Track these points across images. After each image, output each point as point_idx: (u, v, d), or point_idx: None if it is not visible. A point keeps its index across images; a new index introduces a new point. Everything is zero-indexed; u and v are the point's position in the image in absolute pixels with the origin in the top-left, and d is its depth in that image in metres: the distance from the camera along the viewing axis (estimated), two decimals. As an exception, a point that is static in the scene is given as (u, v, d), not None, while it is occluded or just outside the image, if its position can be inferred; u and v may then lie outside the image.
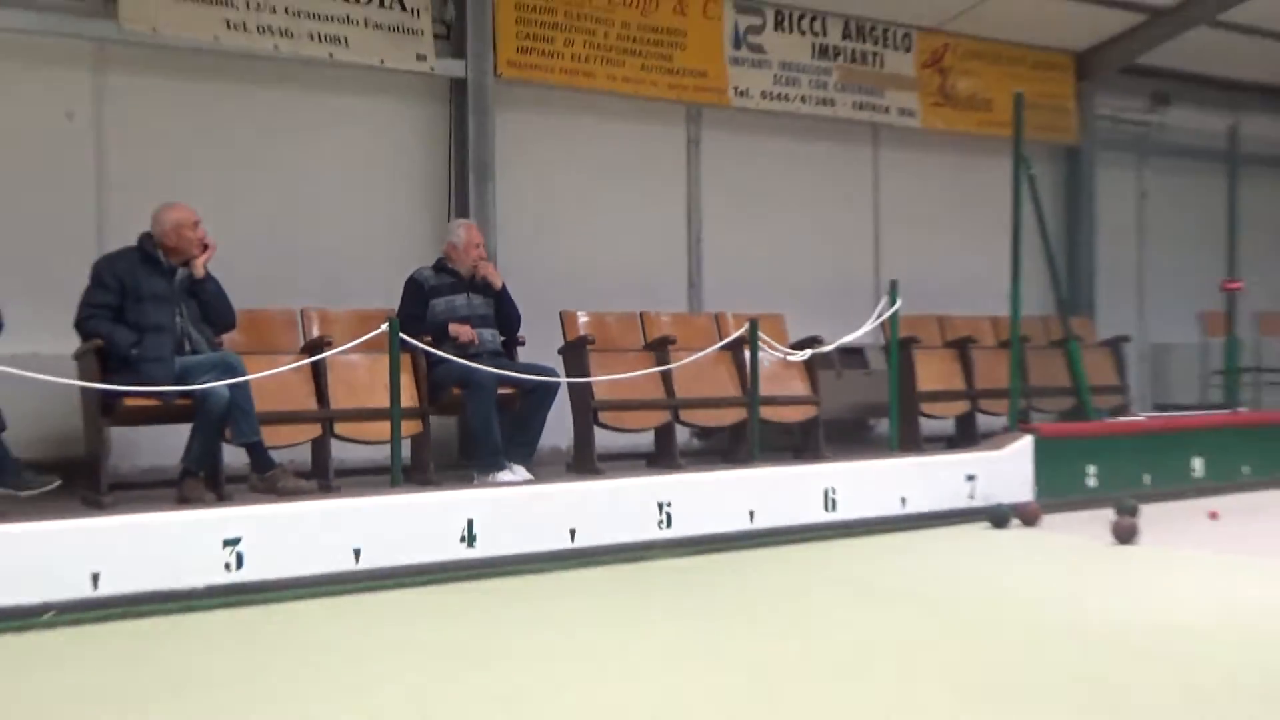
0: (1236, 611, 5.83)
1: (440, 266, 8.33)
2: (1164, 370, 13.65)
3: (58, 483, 6.54)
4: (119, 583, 5.87)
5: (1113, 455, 9.66)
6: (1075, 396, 10.36)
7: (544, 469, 8.18)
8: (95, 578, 5.82)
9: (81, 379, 6.92)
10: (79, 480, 6.98)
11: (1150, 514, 8.15)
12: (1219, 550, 7.47)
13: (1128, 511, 7.83)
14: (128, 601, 5.86)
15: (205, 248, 7.20)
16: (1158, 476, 9.80)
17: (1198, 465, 10.12)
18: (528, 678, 4.79)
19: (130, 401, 6.86)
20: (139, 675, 4.87)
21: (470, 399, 7.75)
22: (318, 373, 7.65)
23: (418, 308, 8.09)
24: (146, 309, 6.99)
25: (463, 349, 7.87)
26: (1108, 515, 7.92)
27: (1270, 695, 4.36)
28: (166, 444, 7.46)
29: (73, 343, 7.12)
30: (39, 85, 8.41)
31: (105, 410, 6.88)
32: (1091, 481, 9.45)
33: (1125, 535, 7.63)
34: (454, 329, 7.96)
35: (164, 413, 7.02)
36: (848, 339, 9.51)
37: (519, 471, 7.69)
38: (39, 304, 7.37)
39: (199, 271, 7.21)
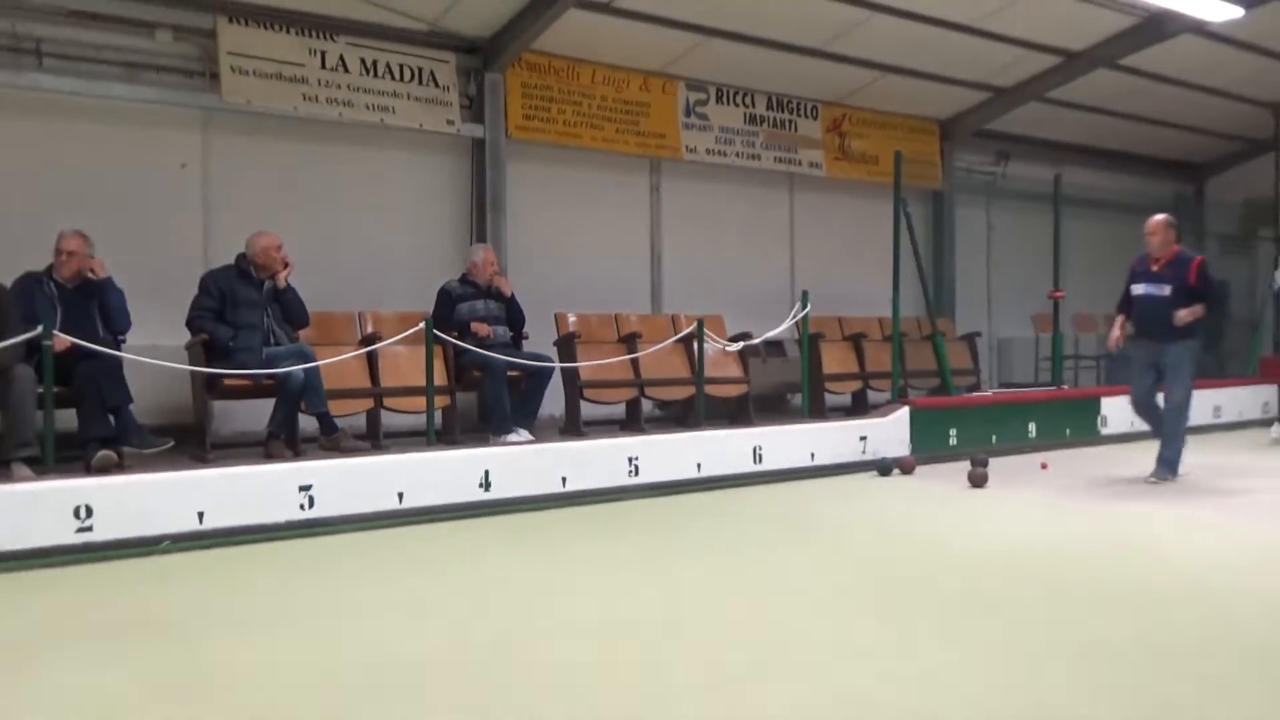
0: (1059, 538, 5.82)
1: (464, 279, 8.26)
2: (1007, 357, 13.69)
3: (172, 443, 6.45)
4: (219, 519, 5.85)
5: (969, 421, 9.67)
6: (940, 377, 10.37)
7: (543, 432, 8.11)
8: (201, 515, 5.79)
9: (191, 365, 6.84)
10: (188, 441, 6.89)
11: (997, 465, 8.16)
12: (1048, 491, 7.47)
13: (980, 463, 7.82)
14: (225, 533, 5.82)
15: (286, 265, 7.13)
16: (1002, 437, 9.83)
17: (1032, 428, 10.15)
18: (524, 588, 4.74)
19: (228, 382, 6.79)
20: (233, 589, 4.80)
21: (487, 379, 7.67)
22: (371, 360, 7.59)
23: (446, 310, 8.02)
24: (241, 312, 6.93)
25: (481, 342, 7.79)
26: (965, 466, 7.91)
27: (1083, 597, 4.34)
28: (256, 414, 7.37)
29: (184, 337, 7.04)
30: (161, 142, 8.31)
31: (209, 388, 6.79)
32: (953, 441, 9.46)
33: (978, 481, 7.64)
34: (475, 327, 7.91)
35: (254, 390, 6.93)
36: (771, 334, 9.50)
37: (523, 434, 7.60)
38: (159, 307, 7.26)
39: (282, 283, 7.15)
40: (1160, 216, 7.89)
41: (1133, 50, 11.48)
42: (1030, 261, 12.25)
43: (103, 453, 5.91)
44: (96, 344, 6.14)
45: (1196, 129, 14.65)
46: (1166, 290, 7.65)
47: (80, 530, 5.42)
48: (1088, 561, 5.15)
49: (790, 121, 11.69)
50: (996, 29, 10.80)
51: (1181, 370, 7.73)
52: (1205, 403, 11.94)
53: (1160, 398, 7.88)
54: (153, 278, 7.68)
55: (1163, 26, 10.87)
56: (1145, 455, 8.20)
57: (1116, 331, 8.07)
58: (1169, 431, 7.87)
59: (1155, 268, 7.79)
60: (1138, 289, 7.88)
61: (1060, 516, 6.49)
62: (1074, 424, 10.55)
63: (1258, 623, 4.01)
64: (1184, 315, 7.49)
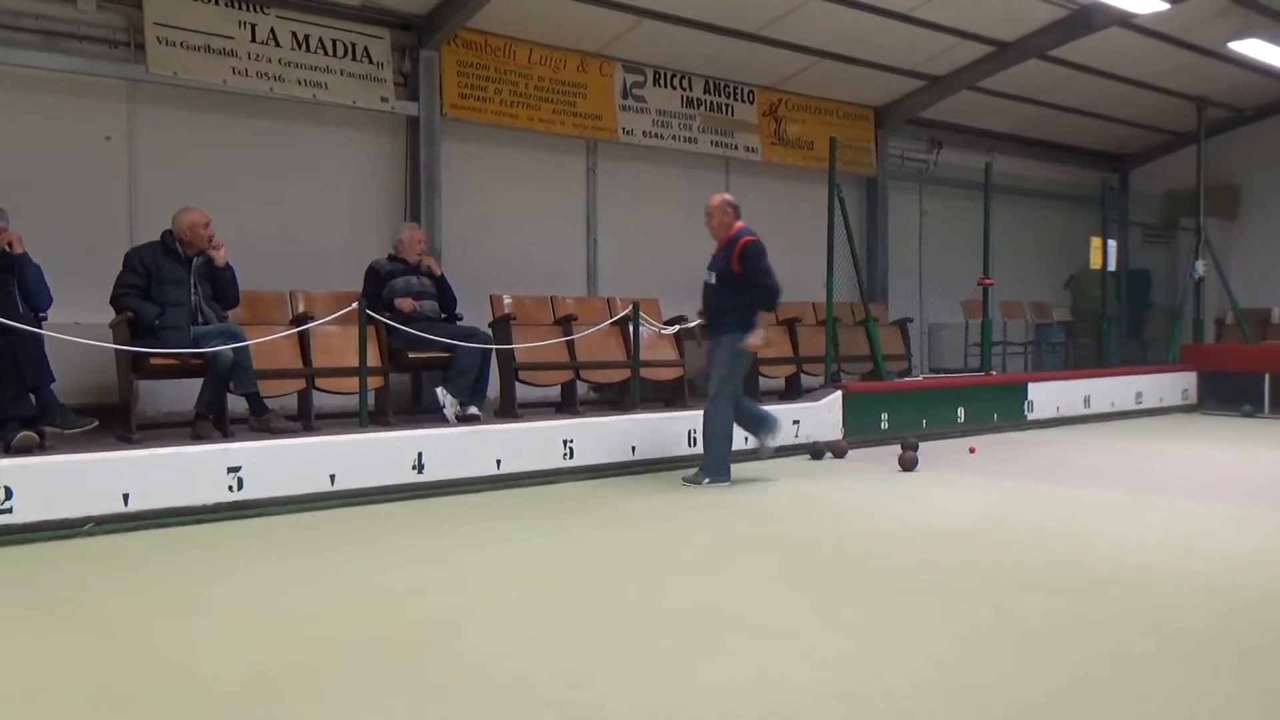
0: (986, 518, 5.94)
1: (393, 257, 8.18)
2: (937, 343, 13.90)
3: (96, 423, 6.31)
4: (145, 500, 5.76)
5: (900, 405, 9.82)
6: (873, 362, 10.50)
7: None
8: (126, 497, 5.70)
9: (116, 343, 6.69)
10: (113, 421, 6.76)
11: (927, 449, 8.30)
12: (976, 475, 7.61)
13: (910, 447, 7.94)
14: (151, 516, 5.73)
15: (213, 243, 6.97)
16: (932, 421, 9.99)
17: (961, 413, 10.33)
18: (457, 569, 4.73)
19: (154, 361, 6.64)
20: (160, 572, 4.73)
21: (464, 351, 7.68)
22: (302, 339, 7.47)
23: (375, 288, 7.94)
24: (167, 289, 6.79)
25: (408, 318, 7.73)
26: (896, 450, 8.03)
27: (1008, 578, 4.45)
28: (183, 394, 7.24)
29: (108, 314, 6.86)
30: (85, 114, 8.09)
31: (135, 367, 6.66)
32: (885, 425, 9.60)
33: (909, 464, 7.76)
34: (398, 303, 7.82)
35: (181, 369, 6.80)
36: (705, 318, 9.52)
37: (464, 408, 7.51)
38: (82, 284, 7.08)
39: (220, 261, 7.01)
40: (718, 196, 7.32)
41: (1062, 41, 11.69)
42: (961, 248, 12.44)
43: (24, 433, 5.76)
44: (15, 321, 5.98)
45: (1122, 120, 14.98)
46: (713, 278, 7.19)
47: (0, 512, 5.29)
48: (1013, 543, 5.28)
49: (727, 105, 11.73)
50: (931, 17, 10.93)
51: (720, 363, 7.09)
52: (1127, 389, 12.28)
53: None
54: (76, 253, 7.50)
55: (1091, 19, 11.09)
56: (1069, 439, 8.39)
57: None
58: (705, 432, 7.25)
59: (716, 249, 7.27)
60: (709, 277, 7.28)
61: (987, 499, 6.63)
62: (1002, 409, 10.76)
63: (1170, 602, 4.15)
64: (754, 341, 7.05)
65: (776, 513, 6.25)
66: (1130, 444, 9.39)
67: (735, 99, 11.80)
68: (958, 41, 11.62)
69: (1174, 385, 12.98)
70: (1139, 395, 12.39)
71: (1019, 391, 11.07)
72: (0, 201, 6.43)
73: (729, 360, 7.08)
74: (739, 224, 7.25)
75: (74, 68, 7.89)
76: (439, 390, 7.56)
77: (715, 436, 7.18)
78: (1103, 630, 3.74)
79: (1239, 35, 11.86)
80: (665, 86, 11.18)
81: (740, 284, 7.06)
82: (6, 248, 6.27)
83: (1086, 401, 11.72)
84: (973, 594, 4.25)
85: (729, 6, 10.13)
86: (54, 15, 7.85)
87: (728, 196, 7.38)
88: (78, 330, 6.46)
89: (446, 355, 7.76)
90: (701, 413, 7.33)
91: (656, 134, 11.09)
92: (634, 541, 5.43)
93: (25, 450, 5.70)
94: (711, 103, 11.58)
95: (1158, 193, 16.10)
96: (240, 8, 8.46)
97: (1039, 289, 14.86)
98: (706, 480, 7.11)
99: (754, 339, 7.10)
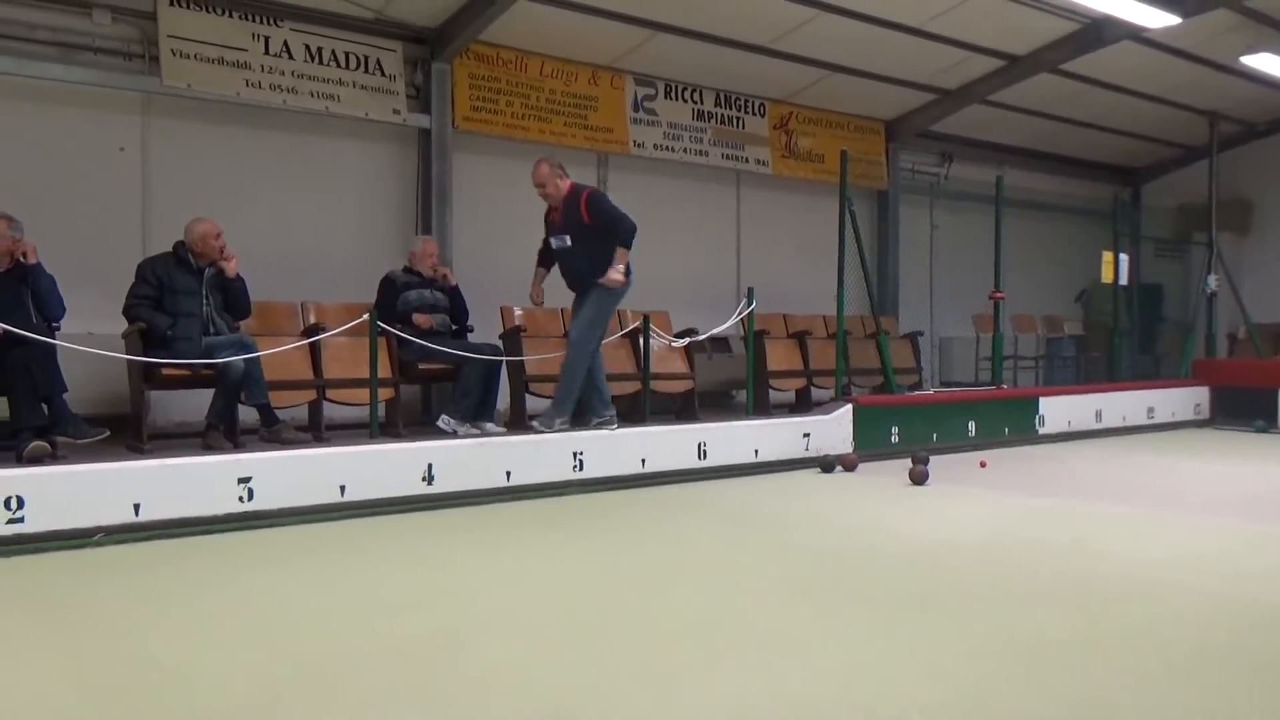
0: (997, 532, 5.91)
1: (407, 269, 8.20)
2: (948, 356, 13.87)
3: (107, 433, 6.33)
4: (155, 511, 5.76)
5: (910, 419, 9.78)
6: (883, 375, 10.48)
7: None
8: (136, 507, 5.69)
9: (128, 353, 6.72)
10: (125, 431, 6.78)
11: (937, 463, 8.26)
12: (986, 489, 7.58)
13: (921, 461, 7.91)
14: (162, 526, 5.73)
15: (225, 254, 6.99)
16: (943, 435, 9.95)
17: (972, 427, 10.29)
18: (465, 581, 4.72)
19: (166, 371, 6.68)
20: (169, 582, 4.74)
21: (471, 366, 7.69)
22: (314, 350, 7.50)
23: (391, 298, 7.96)
24: (179, 300, 6.81)
25: (424, 332, 7.76)
26: (907, 464, 8.00)
27: (1020, 592, 4.42)
28: (194, 404, 7.27)
29: (121, 325, 6.90)
30: (99, 125, 8.18)
31: (146, 377, 6.68)
32: (895, 438, 9.56)
33: (919, 478, 7.73)
34: (416, 319, 7.85)
35: (193, 380, 6.83)
36: (716, 330, 9.53)
37: (469, 429, 7.52)
38: (95, 294, 7.12)
39: (231, 273, 7.02)
40: (543, 163, 7.38)
41: (1074, 55, 11.69)
42: (972, 262, 12.43)
43: (36, 443, 5.78)
44: (29, 331, 6.00)
45: (1134, 134, 14.97)
46: (568, 240, 7.36)
47: (11, 521, 5.30)
48: (1024, 557, 5.25)
49: (738, 118, 11.75)
50: (941, 31, 10.94)
51: (588, 305, 7.40)
52: (1139, 404, 12.23)
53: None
54: (89, 264, 7.55)
55: (1103, 33, 11.08)
56: (1081, 454, 8.35)
57: (536, 286, 7.78)
58: (564, 369, 7.50)
59: (555, 218, 7.43)
60: (553, 242, 7.50)
61: (998, 513, 6.59)
62: (1013, 423, 10.72)
63: (1182, 618, 4.11)
64: (615, 277, 7.26)
65: (786, 526, 6.22)
66: (1142, 459, 9.34)
67: (746, 112, 11.82)
68: (968, 55, 11.62)
69: (1186, 400, 12.92)
70: (1151, 410, 12.33)
71: (1030, 406, 11.03)
72: (15, 211, 6.45)
73: (598, 302, 7.39)
74: (569, 181, 7.47)
75: (89, 79, 7.96)
76: (443, 419, 7.52)
77: (575, 375, 7.43)
78: (1114, 646, 3.71)
79: (1251, 50, 11.85)
80: (676, 99, 11.22)
81: (595, 235, 7.28)
82: (21, 258, 6.31)
83: (1098, 416, 11.66)
84: (983, 609, 4.23)
85: (740, 20, 10.16)
86: (70, 28, 7.93)
87: (550, 159, 7.48)
88: (90, 340, 6.49)
89: (456, 369, 7.78)
90: (696, 424, 7.38)
91: (668, 147, 11.12)
92: (643, 554, 5.41)
93: (37, 460, 5.71)
94: (722, 116, 11.61)
95: (1170, 207, 16.07)
96: (254, 20, 8.52)
97: (1050, 303, 14.84)
98: (559, 422, 7.38)
99: (615, 274, 7.31)
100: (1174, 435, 11.89)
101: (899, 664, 3.50)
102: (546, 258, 7.74)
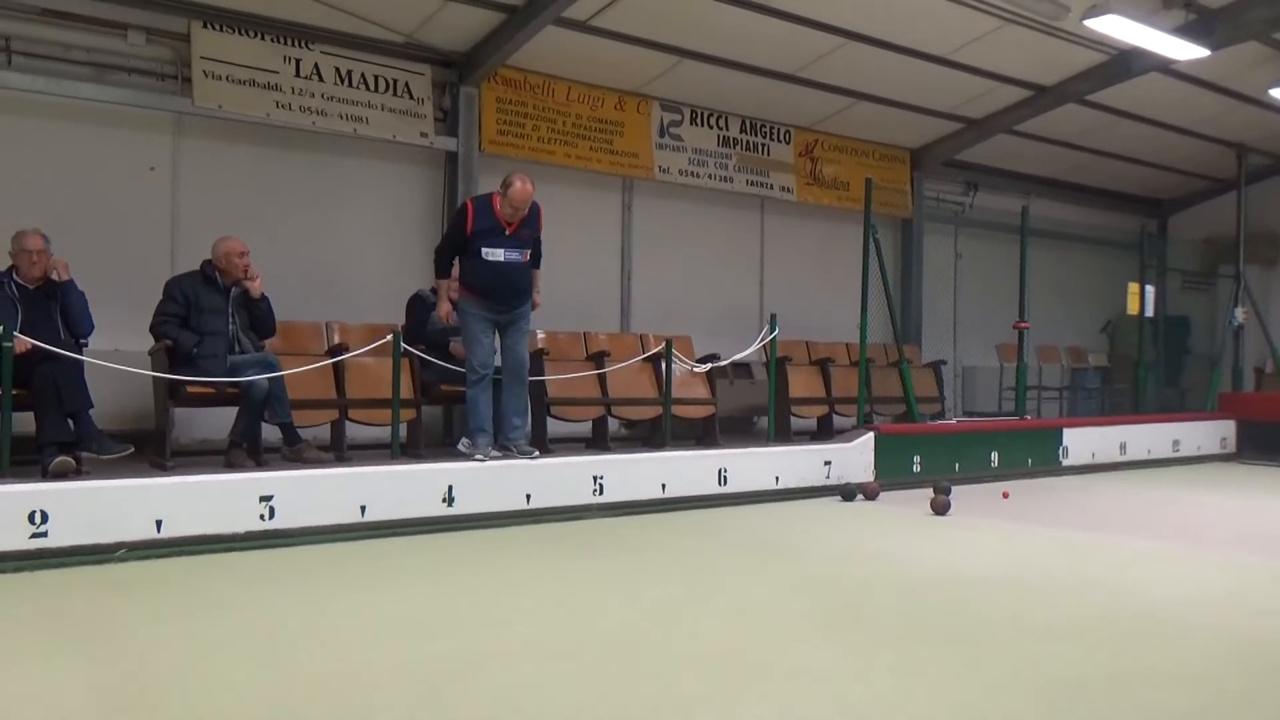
0: (1019, 565, 5.86)
1: (435, 291, 8.22)
2: (971, 386, 13.79)
3: (132, 449, 6.35)
4: (177, 527, 5.79)
5: (933, 448, 9.73)
6: (906, 404, 10.43)
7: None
8: (159, 523, 5.73)
9: (154, 370, 6.77)
10: (149, 448, 6.82)
11: (959, 493, 8.21)
12: (1009, 521, 7.52)
13: (943, 491, 7.87)
14: (183, 542, 5.76)
15: (248, 274, 7.01)
16: (965, 465, 9.89)
17: (995, 457, 10.22)
18: (484, 605, 4.71)
19: (191, 388, 6.70)
20: (190, 599, 4.75)
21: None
22: (337, 370, 7.51)
23: (421, 316, 8.03)
24: (205, 318, 6.85)
25: (459, 360, 7.76)
26: (928, 493, 7.96)
27: (1042, 627, 4.37)
28: (218, 422, 7.30)
29: (147, 342, 6.94)
30: (131, 144, 8.28)
31: (172, 394, 6.71)
32: (917, 468, 9.51)
33: (940, 509, 7.68)
34: (453, 348, 7.85)
35: (217, 398, 6.85)
36: (738, 356, 9.54)
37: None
38: (123, 311, 7.18)
39: (256, 293, 7.06)
40: (529, 184, 7.10)
41: (1101, 87, 11.67)
42: (996, 292, 12.37)
43: (61, 458, 5.82)
44: (57, 346, 6.06)
45: (1161, 166, 14.90)
46: (524, 256, 7.23)
47: (34, 536, 5.35)
48: (1047, 592, 5.19)
49: (763, 145, 11.77)
50: (968, 61, 10.94)
51: (527, 325, 7.46)
52: (1164, 436, 12.12)
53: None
54: (117, 281, 7.61)
55: (1131, 64, 11.05)
56: (1105, 487, 8.28)
57: (448, 303, 7.32)
58: (524, 405, 7.47)
59: (511, 230, 7.15)
60: (493, 253, 7.11)
61: (1021, 546, 6.54)
62: (1036, 454, 10.65)
63: (1207, 656, 4.05)
64: (539, 299, 7.42)
65: (807, 555, 6.19)
66: (1167, 492, 9.25)
67: (772, 139, 11.84)
68: (995, 85, 11.61)
69: (1212, 434, 12.80)
70: (1176, 443, 12.22)
71: (1054, 437, 10.95)
72: (46, 228, 6.49)
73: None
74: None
75: (122, 99, 8.05)
76: (462, 442, 7.49)
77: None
78: (1137, 684, 3.67)
79: (1279, 83, 11.79)
80: (702, 125, 11.25)
81: (532, 255, 7.34)
82: (53, 274, 6.37)
83: (1122, 448, 11.57)
84: (1004, 643, 4.18)
85: (768, 48, 10.20)
86: (105, 48, 8.03)
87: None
88: (117, 357, 6.55)
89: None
90: (717, 450, 7.31)
91: (692, 173, 11.15)
92: (662, 581, 5.39)
93: (62, 475, 5.75)
94: (748, 142, 11.63)
95: (1197, 239, 15.96)
96: (286, 44, 8.61)
97: (1075, 334, 14.75)
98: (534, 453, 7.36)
99: (539, 296, 7.48)
100: (1199, 469, 11.77)
101: (918, 697, 3.46)
102: (478, 272, 7.17)
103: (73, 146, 8.00)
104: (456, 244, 7.20)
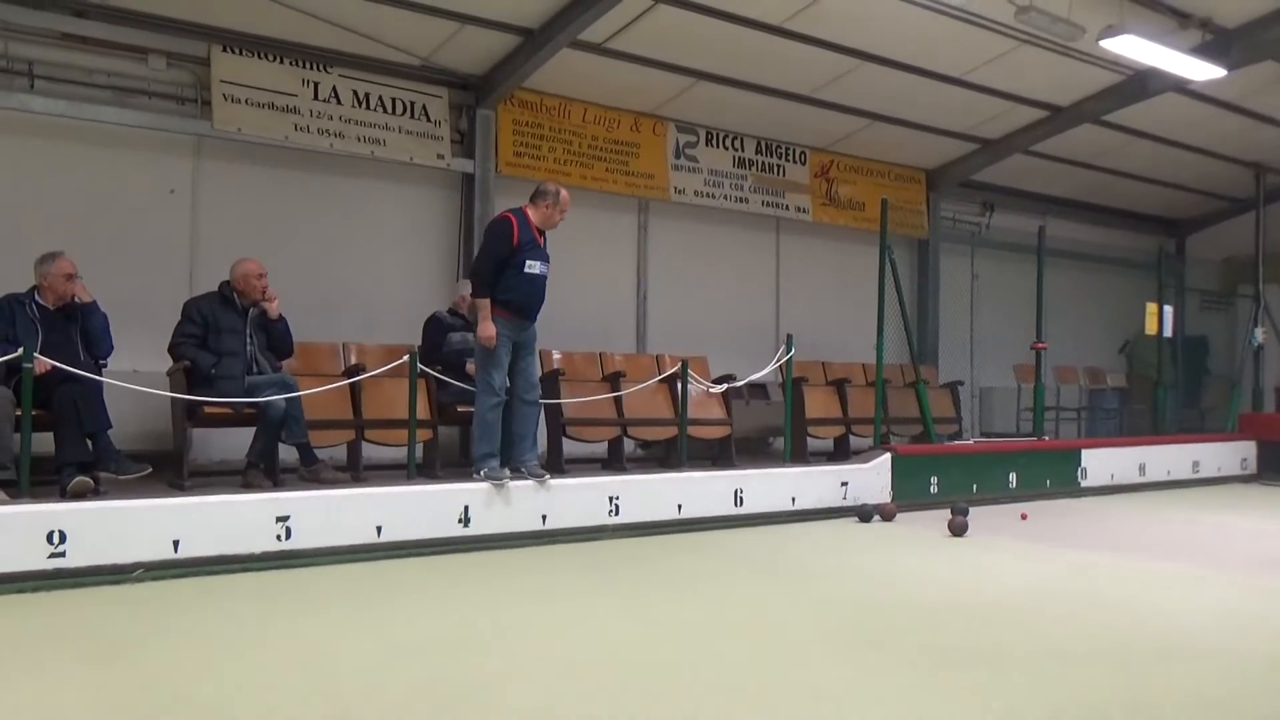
0: (1037, 587, 5.82)
1: (453, 311, 8.28)
2: (988, 406, 13.74)
3: (149, 469, 6.38)
4: (194, 548, 5.80)
5: (950, 469, 9.68)
6: (923, 425, 10.39)
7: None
8: (176, 543, 5.74)
9: (172, 391, 6.80)
10: (166, 468, 6.84)
11: (977, 514, 8.17)
12: (1027, 542, 7.47)
13: (960, 512, 7.83)
14: (200, 563, 5.77)
15: (266, 295, 7.04)
16: (983, 486, 9.84)
17: (1012, 478, 10.17)
18: (500, 625, 4.70)
19: (209, 409, 6.72)
20: (206, 619, 4.76)
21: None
22: (354, 391, 7.53)
23: (438, 337, 8.07)
24: (224, 339, 6.89)
25: (468, 377, 7.76)
26: (946, 514, 7.91)
27: (1060, 651, 4.34)
28: (235, 442, 7.32)
29: (166, 363, 6.99)
30: (151, 167, 8.35)
31: (189, 415, 6.74)
32: (934, 489, 9.46)
33: (958, 530, 7.64)
34: (472, 370, 7.83)
35: (234, 418, 6.88)
36: (754, 377, 9.51)
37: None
38: (142, 332, 7.25)
39: (274, 314, 7.10)
40: (566, 192, 7.27)
41: (1117, 107, 11.65)
42: (1013, 312, 12.34)
43: (79, 478, 5.84)
44: (77, 367, 6.10)
45: (1178, 186, 14.86)
46: (546, 268, 7.18)
47: (53, 556, 5.36)
48: (1065, 614, 5.15)
49: (779, 166, 11.79)
50: (983, 81, 10.95)
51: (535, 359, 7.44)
52: (1184, 457, 12.03)
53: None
54: (137, 302, 7.66)
55: (1147, 84, 11.04)
56: (1124, 508, 8.22)
57: (491, 324, 6.97)
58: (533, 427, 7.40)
59: (542, 242, 7.18)
60: (534, 266, 7.04)
61: (1039, 568, 6.49)
62: (1054, 475, 10.58)
63: (1228, 681, 4.01)
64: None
65: (822, 576, 6.16)
66: (1187, 514, 9.17)
67: (787, 160, 11.87)
68: (1011, 106, 11.62)
69: (1232, 454, 12.70)
70: (1196, 464, 12.13)
71: (1072, 458, 10.89)
72: (67, 249, 6.55)
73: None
74: None
75: (142, 123, 8.14)
76: (482, 472, 7.44)
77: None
78: (1157, 709, 3.63)
79: (1298, 102, 11.77)
80: (717, 147, 11.29)
81: None
82: (74, 297, 6.41)
83: (1142, 469, 11.49)
84: (1022, 667, 4.15)
85: (783, 69, 10.23)
86: (126, 72, 8.12)
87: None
88: (135, 378, 6.57)
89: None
90: (733, 471, 7.26)
91: (708, 193, 11.18)
92: (677, 602, 5.37)
93: (80, 495, 5.78)
94: (763, 163, 11.66)
95: (1215, 259, 15.88)
96: (304, 67, 8.69)
97: (1093, 354, 14.67)
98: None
99: None
100: (1220, 490, 11.68)
101: (937, 721, 3.44)
102: (521, 288, 7.04)
103: (94, 169, 8.08)
104: (502, 258, 7.01)
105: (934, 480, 9.50)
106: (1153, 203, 15.53)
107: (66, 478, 5.86)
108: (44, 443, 6.08)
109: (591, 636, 4.57)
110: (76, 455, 6.03)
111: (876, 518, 8.41)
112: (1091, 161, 13.49)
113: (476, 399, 7.20)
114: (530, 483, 7.16)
